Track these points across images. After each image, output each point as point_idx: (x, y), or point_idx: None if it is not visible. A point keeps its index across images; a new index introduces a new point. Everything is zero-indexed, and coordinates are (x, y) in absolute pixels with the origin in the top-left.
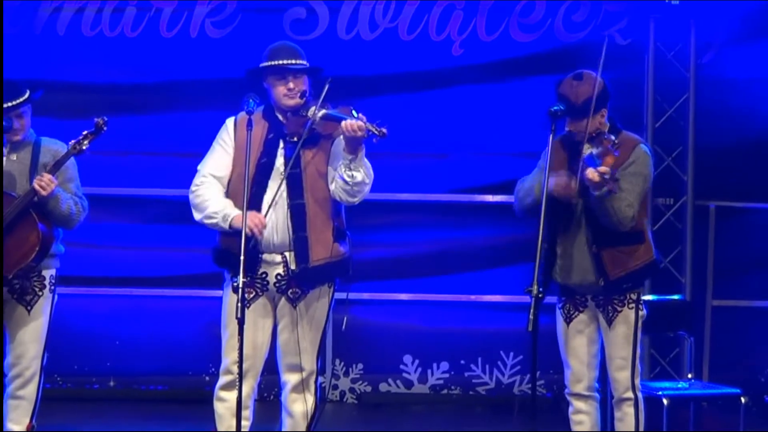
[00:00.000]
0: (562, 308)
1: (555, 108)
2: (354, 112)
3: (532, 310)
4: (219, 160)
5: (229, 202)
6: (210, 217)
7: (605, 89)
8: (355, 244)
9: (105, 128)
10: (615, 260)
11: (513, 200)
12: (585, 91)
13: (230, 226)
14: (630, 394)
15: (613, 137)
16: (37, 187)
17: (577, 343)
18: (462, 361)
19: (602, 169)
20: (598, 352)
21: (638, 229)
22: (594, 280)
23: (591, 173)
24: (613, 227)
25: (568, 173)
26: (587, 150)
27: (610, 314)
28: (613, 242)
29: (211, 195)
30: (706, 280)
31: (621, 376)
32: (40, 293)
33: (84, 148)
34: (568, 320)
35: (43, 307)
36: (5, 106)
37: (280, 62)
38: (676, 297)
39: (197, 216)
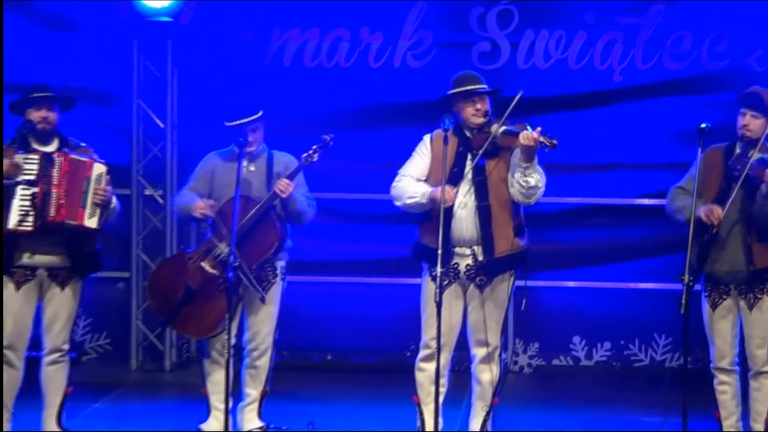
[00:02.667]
0: (708, 296)
1: (703, 125)
2: (529, 127)
3: (684, 296)
4: (417, 166)
5: (425, 184)
6: (412, 197)
7: None
8: (532, 240)
9: (331, 143)
10: (762, 252)
11: (665, 203)
12: None
13: (428, 199)
14: (767, 368)
15: None
16: (278, 190)
17: (722, 326)
18: (622, 342)
19: None
20: (738, 333)
21: None
22: (742, 269)
23: None
24: None
25: (716, 205)
26: (756, 155)
27: (752, 300)
28: (764, 237)
29: (409, 183)
30: None
31: (760, 353)
32: (273, 280)
33: (314, 159)
34: (714, 306)
35: (276, 292)
36: (243, 121)
37: (468, 88)
38: None
39: (399, 202)
